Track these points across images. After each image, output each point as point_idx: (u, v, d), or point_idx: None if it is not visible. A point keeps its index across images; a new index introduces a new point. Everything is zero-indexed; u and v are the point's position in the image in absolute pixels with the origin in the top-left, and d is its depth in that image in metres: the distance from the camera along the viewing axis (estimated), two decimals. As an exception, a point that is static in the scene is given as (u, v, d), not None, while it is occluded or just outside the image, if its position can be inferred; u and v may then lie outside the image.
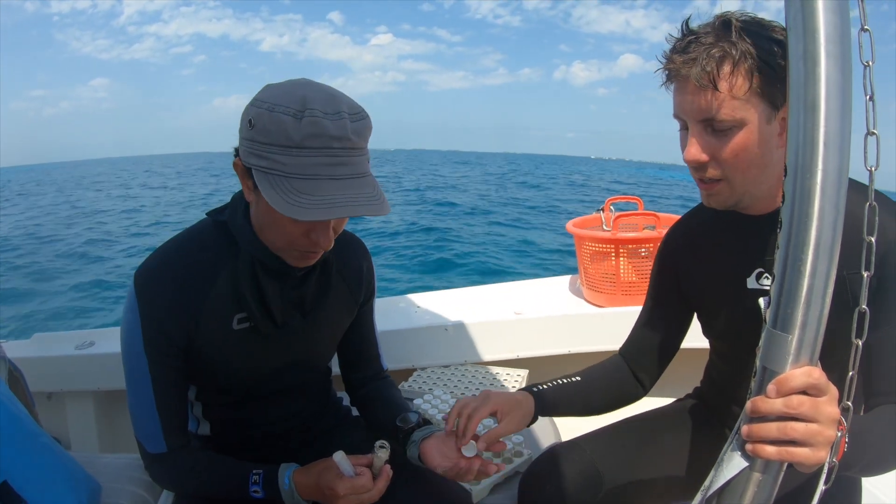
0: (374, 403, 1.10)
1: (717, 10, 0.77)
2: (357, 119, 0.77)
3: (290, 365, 0.99)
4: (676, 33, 0.78)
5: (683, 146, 0.80)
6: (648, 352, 1.05)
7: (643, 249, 1.83)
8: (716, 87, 0.73)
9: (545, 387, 1.01)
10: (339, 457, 0.85)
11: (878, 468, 0.69)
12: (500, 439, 0.92)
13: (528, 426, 0.97)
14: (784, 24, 0.55)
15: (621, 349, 1.10)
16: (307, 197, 0.73)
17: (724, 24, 0.74)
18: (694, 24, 0.77)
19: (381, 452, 0.86)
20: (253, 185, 0.79)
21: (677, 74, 0.77)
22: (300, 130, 0.73)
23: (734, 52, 0.72)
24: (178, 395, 0.92)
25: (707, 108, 0.74)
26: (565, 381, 1.03)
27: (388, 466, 0.87)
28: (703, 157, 0.78)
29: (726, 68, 0.73)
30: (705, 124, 0.77)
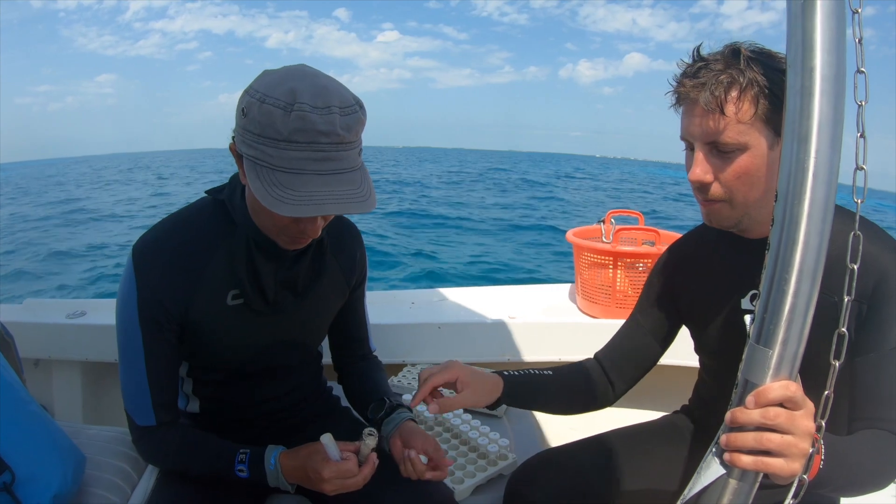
0: (361, 385, 1.13)
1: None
2: (348, 113, 0.76)
3: (281, 344, 1.00)
4: (688, 58, 0.81)
5: (689, 167, 0.82)
6: (626, 358, 1.05)
7: (640, 264, 1.85)
8: (722, 111, 0.76)
9: (516, 373, 1.00)
10: (327, 439, 0.85)
11: (853, 489, 0.71)
12: (467, 416, 0.92)
13: (492, 408, 0.97)
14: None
15: (598, 353, 1.09)
16: (289, 191, 0.74)
17: (733, 53, 0.77)
18: (705, 52, 0.80)
19: (370, 440, 0.87)
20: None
21: (686, 98, 0.80)
22: (288, 125, 0.73)
23: (741, 79, 0.75)
24: (169, 370, 0.93)
25: (713, 130, 0.77)
26: (536, 372, 1.02)
27: (374, 454, 0.88)
28: (708, 177, 0.80)
29: (733, 93, 0.75)
30: (711, 146, 0.79)
